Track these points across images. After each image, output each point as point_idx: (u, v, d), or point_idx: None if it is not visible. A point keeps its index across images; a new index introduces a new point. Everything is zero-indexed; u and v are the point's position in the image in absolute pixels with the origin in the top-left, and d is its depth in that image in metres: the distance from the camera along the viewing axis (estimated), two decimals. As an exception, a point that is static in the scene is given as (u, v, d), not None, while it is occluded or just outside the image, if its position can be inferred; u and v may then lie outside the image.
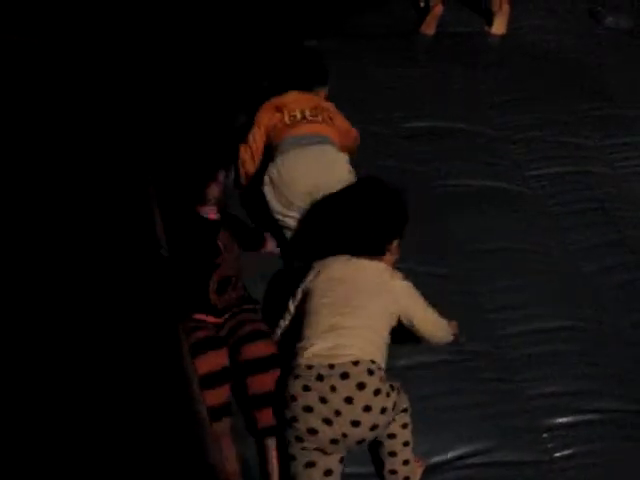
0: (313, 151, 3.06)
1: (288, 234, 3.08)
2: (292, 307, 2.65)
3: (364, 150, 3.43)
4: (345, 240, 2.65)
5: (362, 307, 2.48)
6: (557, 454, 2.70)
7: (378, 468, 2.53)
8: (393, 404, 2.38)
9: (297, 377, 2.38)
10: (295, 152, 3.05)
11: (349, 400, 2.31)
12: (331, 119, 3.22)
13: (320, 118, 3.18)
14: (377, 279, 2.57)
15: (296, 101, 3.22)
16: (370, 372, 2.36)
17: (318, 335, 2.43)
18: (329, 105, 3.32)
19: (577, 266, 3.31)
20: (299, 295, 2.63)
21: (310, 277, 2.62)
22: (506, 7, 4.62)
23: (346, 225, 2.67)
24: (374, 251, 2.64)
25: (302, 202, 3.00)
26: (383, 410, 2.35)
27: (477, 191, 3.57)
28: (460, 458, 2.63)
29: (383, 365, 2.45)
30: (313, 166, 3.02)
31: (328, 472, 2.38)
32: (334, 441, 2.33)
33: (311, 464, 2.37)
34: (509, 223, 3.43)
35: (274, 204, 3.06)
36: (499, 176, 3.68)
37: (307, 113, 3.17)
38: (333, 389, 2.32)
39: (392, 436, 2.45)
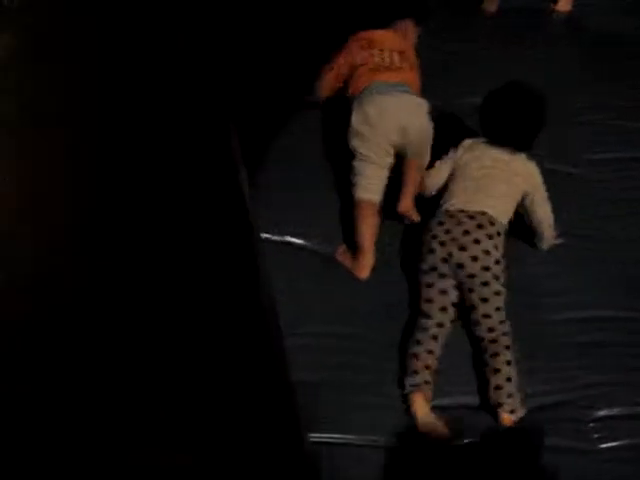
0: (403, 97, 3.18)
1: (359, 170, 3.12)
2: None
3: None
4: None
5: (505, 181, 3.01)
6: (602, 445, 2.68)
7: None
8: (501, 272, 2.86)
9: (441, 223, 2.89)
10: (387, 95, 3.16)
11: (477, 241, 2.84)
12: (412, 70, 3.34)
13: (407, 65, 3.32)
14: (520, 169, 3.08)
15: (386, 40, 3.37)
16: (498, 234, 2.90)
17: (466, 196, 2.95)
18: (413, 55, 3.42)
19: (633, 255, 3.24)
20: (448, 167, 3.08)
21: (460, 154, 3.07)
22: (573, -17, 4.49)
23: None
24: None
25: (387, 141, 3.09)
26: (497, 262, 2.84)
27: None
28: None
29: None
30: (403, 110, 3.14)
31: (443, 292, 2.83)
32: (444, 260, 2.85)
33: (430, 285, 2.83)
34: (565, 207, 3.35)
35: (357, 132, 3.12)
36: (556, 158, 3.59)
37: (396, 59, 3.30)
38: (466, 233, 2.86)
39: (496, 355, 2.71)
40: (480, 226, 2.88)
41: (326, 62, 3.43)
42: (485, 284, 2.81)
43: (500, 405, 2.65)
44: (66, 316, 1.28)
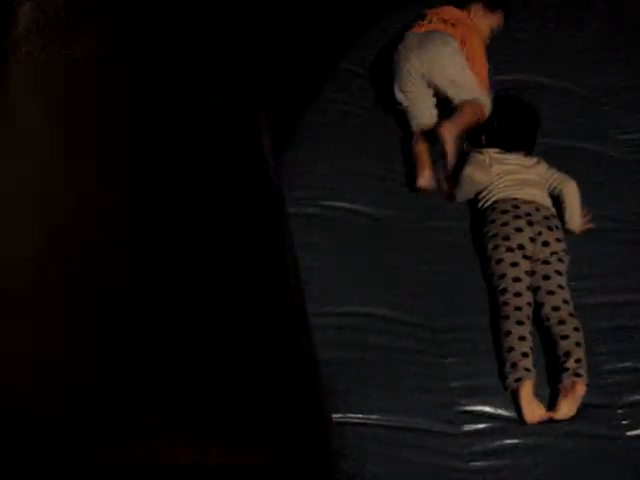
0: (428, 35, 3.34)
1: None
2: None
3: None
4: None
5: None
6: (630, 432, 2.60)
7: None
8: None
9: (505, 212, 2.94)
10: (413, 37, 3.36)
11: (550, 228, 2.94)
12: (451, 28, 3.41)
13: (446, 26, 3.40)
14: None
15: (443, 12, 3.49)
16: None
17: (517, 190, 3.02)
18: (469, 30, 3.46)
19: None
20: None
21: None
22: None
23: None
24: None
25: (414, 84, 3.26)
26: (558, 240, 2.92)
27: (563, 151, 3.41)
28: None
29: None
30: (420, 47, 3.29)
31: (515, 264, 2.84)
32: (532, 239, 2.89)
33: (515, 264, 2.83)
34: (596, 188, 3.28)
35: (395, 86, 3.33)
36: (588, 137, 3.52)
37: (435, 20, 3.44)
38: (546, 218, 2.96)
39: (565, 337, 2.68)
40: (546, 217, 2.98)
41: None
42: (559, 271, 2.86)
43: (566, 370, 2.62)
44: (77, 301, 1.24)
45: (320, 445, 1.19)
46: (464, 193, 3.14)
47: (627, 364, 2.75)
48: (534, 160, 3.16)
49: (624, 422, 2.62)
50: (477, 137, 3.25)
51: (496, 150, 3.14)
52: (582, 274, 2.98)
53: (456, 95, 3.25)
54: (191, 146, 1.38)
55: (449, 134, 3.10)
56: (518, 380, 2.59)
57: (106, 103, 1.41)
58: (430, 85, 3.29)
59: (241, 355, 1.16)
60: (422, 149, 3.17)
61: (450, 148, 3.09)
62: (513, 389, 2.60)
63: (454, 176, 3.17)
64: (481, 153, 3.13)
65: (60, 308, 1.14)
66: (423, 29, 3.43)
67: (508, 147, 3.15)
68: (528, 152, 3.18)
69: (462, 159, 3.19)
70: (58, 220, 1.23)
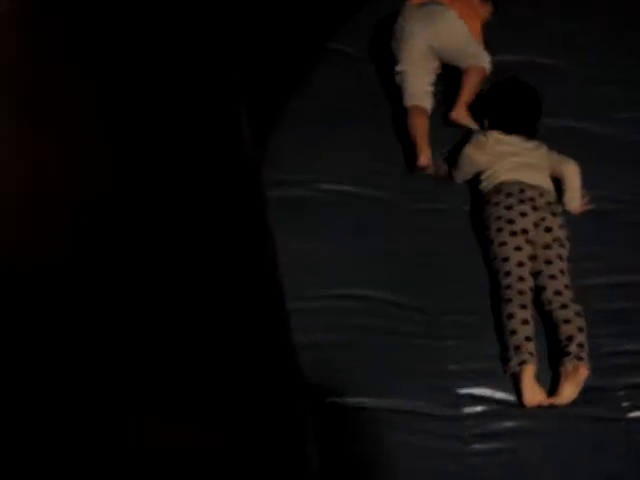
0: (428, 8, 3.39)
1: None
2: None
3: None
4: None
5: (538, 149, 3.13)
6: (631, 414, 2.61)
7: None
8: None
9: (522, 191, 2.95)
10: (413, 9, 3.41)
11: (554, 214, 2.96)
12: (462, 13, 3.44)
13: (449, 1, 3.45)
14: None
15: None
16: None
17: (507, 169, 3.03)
18: (475, 10, 3.54)
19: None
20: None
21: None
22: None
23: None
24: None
25: (415, 58, 3.31)
26: (561, 226, 2.93)
27: (562, 132, 3.38)
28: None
29: None
30: (428, 21, 3.35)
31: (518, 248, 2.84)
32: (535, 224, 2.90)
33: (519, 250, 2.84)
34: (595, 168, 3.25)
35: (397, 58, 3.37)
36: (586, 117, 3.48)
37: None
38: (549, 204, 2.98)
39: (568, 322, 2.68)
40: (549, 203, 2.99)
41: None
42: (560, 256, 2.87)
43: (568, 354, 2.61)
44: (73, 298, 1.22)
45: (296, 428, 1.19)
46: (462, 173, 3.13)
47: (627, 346, 2.74)
48: (534, 143, 3.15)
49: (624, 404, 2.62)
50: (480, 119, 3.25)
51: (498, 132, 3.14)
52: (580, 255, 2.96)
53: (462, 61, 3.38)
54: (168, 134, 1.36)
55: (462, 117, 3.28)
56: (521, 364, 2.58)
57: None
58: (435, 56, 3.36)
59: (220, 344, 1.15)
60: (418, 125, 3.21)
61: (467, 124, 3.27)
62: (515, 372, 2.60)
63: (453, 156, 3.16)
64: (483, 134, 3.14)
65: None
66: (422, 0, 3.46)
67: (509, 129, 3.14)
68: (529, 136, 3.17)
69: (463, 140, 3.20)
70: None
